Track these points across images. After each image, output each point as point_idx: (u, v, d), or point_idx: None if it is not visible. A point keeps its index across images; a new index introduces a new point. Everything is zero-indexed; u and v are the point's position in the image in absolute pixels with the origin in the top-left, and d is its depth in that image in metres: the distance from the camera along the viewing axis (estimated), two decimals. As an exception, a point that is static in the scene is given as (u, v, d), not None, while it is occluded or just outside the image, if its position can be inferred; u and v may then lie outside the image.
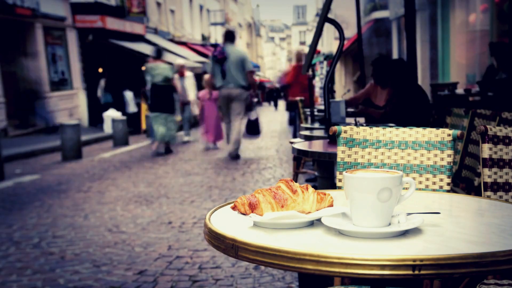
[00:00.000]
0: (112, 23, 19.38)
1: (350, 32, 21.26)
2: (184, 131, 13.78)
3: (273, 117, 26.10)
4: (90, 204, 6.43)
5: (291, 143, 3.66)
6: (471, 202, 1.54)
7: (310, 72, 8.84)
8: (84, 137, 13.49)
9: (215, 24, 35.91)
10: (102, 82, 18.09)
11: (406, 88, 4.61)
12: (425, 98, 4.66)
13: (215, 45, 33.01)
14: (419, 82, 5.94)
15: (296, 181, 2.07)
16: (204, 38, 32.88)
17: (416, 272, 0.98)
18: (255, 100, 39.84)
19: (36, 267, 4.17)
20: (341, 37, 4.02)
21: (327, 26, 4.38)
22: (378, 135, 1.92)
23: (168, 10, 27.02)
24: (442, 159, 1.84)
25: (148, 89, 11.00)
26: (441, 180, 1.83)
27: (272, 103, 38.68)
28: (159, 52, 11.20)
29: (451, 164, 1.83)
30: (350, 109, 5.38)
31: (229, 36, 9.59)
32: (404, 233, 1.19)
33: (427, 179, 1.85)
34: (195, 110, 13.09)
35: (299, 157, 5.95)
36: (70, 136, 10.93)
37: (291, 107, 11.73)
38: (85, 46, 19.37)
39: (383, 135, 1.92)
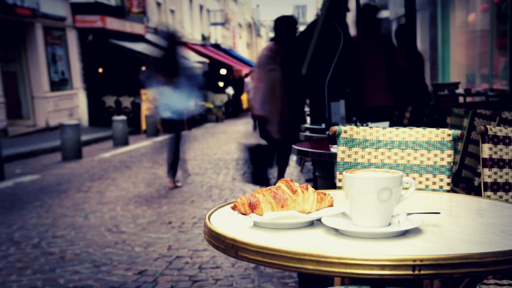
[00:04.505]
0: (112, 23, 19.37)
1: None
2: None
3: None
4: (90, 204, 6.43)
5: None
6: (471, 202, 1.54)
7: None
8: (84, 137, 13.48)
9: (215, 24, 35.89)
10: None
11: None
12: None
13: (216, 46, 33.05)
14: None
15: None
16: (204, 38, 32.87)
17: (416, 272, 0.98)
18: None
19: (36, 267, 4.17)
20: (341, 37, 4.02)
21: (327, 26, 4.39)
22: (378, 135, 1.92)
23: (168, 10, 27.01)
24: (442, 159, 1.83)
25: None
26: (441, 180, 1.83)
27: None
28: None
29: (451, 164, 1.83)
30: None
31: None
32: (404, 233, 1.19)
33: (427, 179, 1.85)
34: None
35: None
36: (70, 136, 10.92)
37: None
38: (85, 46, 19.37)
39: (383, 135, 1.92)
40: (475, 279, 1.96)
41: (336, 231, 1.21)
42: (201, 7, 33.79)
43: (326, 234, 1.20)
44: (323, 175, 3.63)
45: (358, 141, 1.92)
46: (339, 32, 4.09)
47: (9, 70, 16.55)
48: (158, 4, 25.73)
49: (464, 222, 1.32)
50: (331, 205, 1.35)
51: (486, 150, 1.90)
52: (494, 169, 1.90)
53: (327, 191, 1.41)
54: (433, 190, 1.83)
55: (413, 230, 1.21)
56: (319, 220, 1.27)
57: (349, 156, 1.92)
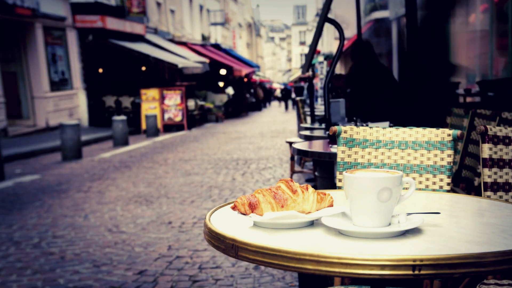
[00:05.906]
0: (112, 23, 19.38)
1: (350, 32, 21.25)
2: None
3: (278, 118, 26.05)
4: (90, 204, 6.43)
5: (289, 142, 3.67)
6: (471, 202, 1.54)
7: (310, 72, 8.83)
8: (84, 137, 13.49)
9: (215, 24, 35.90)
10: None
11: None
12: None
13: (216, 46, 33.03)
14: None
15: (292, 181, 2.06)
16: (204, 38, 32.87)
17: (416, 272, 0.98)
18: (253, 100, 39.50)
19: (36, 267, 4.17)
20: (341, 37, 4.02)
21: (327, 26, 4.39)
22: (378, 135, 1.92)
23: (168, 10, 27.01)
24: (442, 159, 1.83)
25: None
26: (441, 180, 1.83)
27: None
28: None
29: (451, 164, 1.83)
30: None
31: None
32: (404, 233, 1.19)
33: (427, 179, 1.85)
34: None
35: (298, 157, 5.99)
36: (70, 136, 10.93)
37: None
38: (85, 46, 19.37)
39: (383, 135, 1.92)
40: (475, 279, 1.96)
41: (336, 231, 1.21)
42: (201, 7, 33.78)
43: (326, 234, 1.20)
44: (323, 175, 3.64)
45: (358, 141, 1.92)
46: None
47: (9, 70, 16.56)
48: (158, 4, 25.73)
49: (464, 222, 1.32)
50: (331, 205, 1.35)
51: (486, 150, 1.90)
52: (494, 169, 1.90)
53: (327, 191, 1.41)
54: (433, 190, 1.83)
55: (413, 230, 1.21)
56: (319, 220, 1.27)
57: (349, 156, 1.92)
